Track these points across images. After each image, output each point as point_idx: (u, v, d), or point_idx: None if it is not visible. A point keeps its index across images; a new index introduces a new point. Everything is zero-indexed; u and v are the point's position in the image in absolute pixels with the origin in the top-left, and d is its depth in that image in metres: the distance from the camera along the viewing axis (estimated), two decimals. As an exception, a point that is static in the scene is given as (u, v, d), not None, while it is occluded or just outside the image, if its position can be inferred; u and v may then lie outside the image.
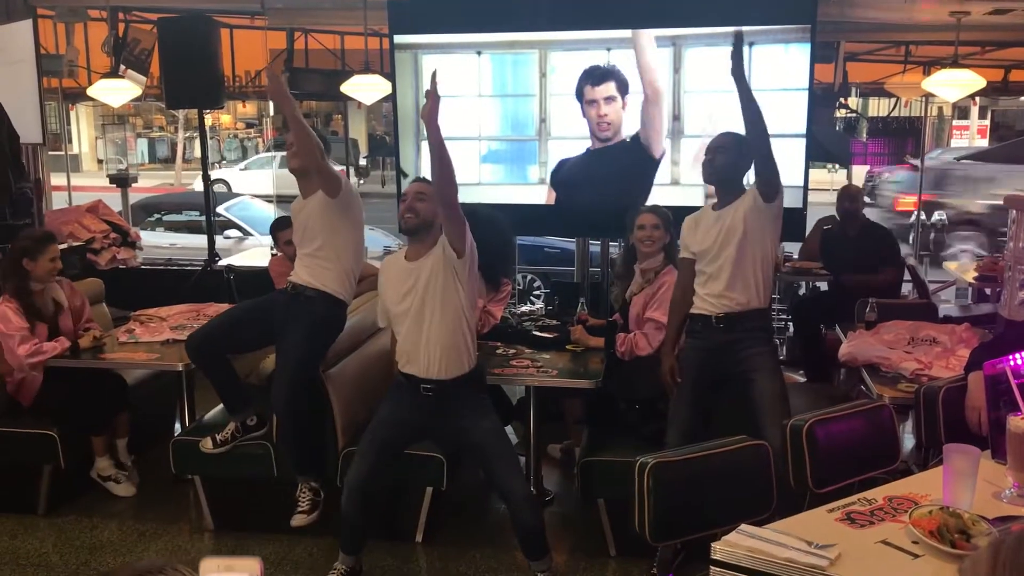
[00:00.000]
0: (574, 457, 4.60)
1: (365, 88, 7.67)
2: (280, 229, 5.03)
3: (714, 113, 5.41)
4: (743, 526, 2.13)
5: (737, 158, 3.72)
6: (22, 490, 4.43)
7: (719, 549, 2.06)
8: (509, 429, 5.03)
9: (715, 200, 3.84)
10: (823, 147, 9.95)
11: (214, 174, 21.17)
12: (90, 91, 7.89)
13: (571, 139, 5.80)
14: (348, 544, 3.71)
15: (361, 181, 21.77)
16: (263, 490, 4.23)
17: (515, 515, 3.56)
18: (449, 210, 3.34)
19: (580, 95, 5.69)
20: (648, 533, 2.60)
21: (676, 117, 5.64)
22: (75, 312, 4.56)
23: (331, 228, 3.84)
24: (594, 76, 5.64)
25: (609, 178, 5.69)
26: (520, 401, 4.80)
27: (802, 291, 7.33)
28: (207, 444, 4.09)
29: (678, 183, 5.66)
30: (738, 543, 2.06)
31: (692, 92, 5.61)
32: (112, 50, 8.00)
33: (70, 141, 22.57)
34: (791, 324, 6.89)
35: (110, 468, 4.59)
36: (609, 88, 5.64)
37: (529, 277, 8.57)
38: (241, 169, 20.95)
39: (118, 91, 7.68)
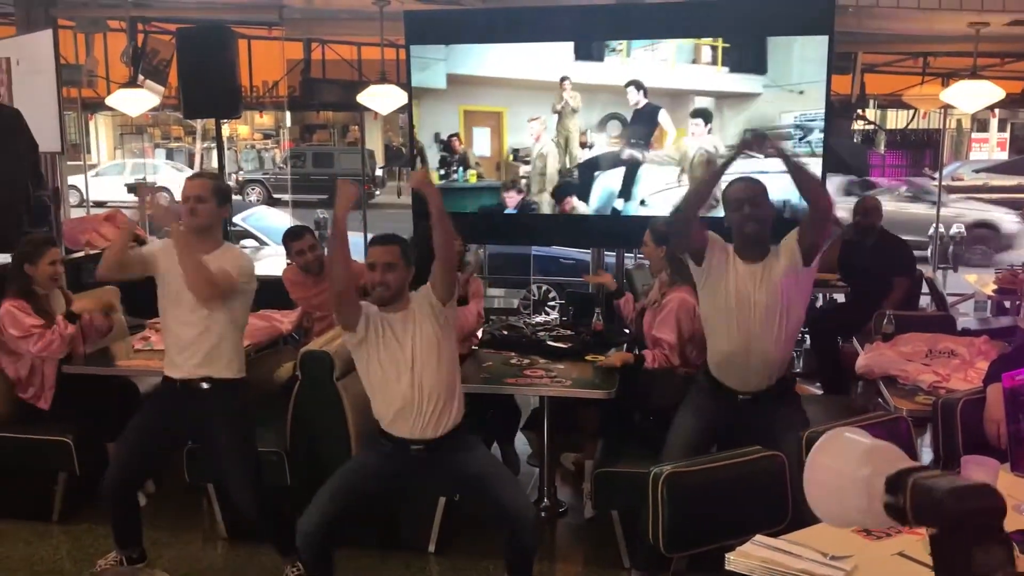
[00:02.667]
0: (583, 471, 4.58)
1: (381, 98, 7.70)
2: (292, 239, 5.03)
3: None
4: (758, 536, 2.11)
5: (771, 210, 3.42)
6: (37, 497, 4.44)
7: (733, 560, 2.05)
8: (523, 439, 5.03)
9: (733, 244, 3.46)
10: (841, 159, 9.94)
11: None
12: (109, 100, 7.96)
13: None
14: None
15: (377, 192, 21.94)
16: (276, 498, 4.22)
17: (519, 537, 3.35)
18: (448, 270, 3.30)
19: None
20: (662, 544, 2.58)
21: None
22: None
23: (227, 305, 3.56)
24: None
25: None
26: (534, 411, 4.79)
27: (819, 303, 7.29)
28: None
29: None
30: (753, 553, 2.05)
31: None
32: (131, 60, 8.08)
33: (89, 151, 22.79)
34: (808, 336, 6.85)
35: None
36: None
37: (544, 288, 8.58)
38: (93, 176, 20.86)
39: (136, 100, 7.75)
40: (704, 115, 5.58)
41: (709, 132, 5.56)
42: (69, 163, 9.17)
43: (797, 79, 5.38)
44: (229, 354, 3.59)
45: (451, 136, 5.92)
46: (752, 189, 3.39)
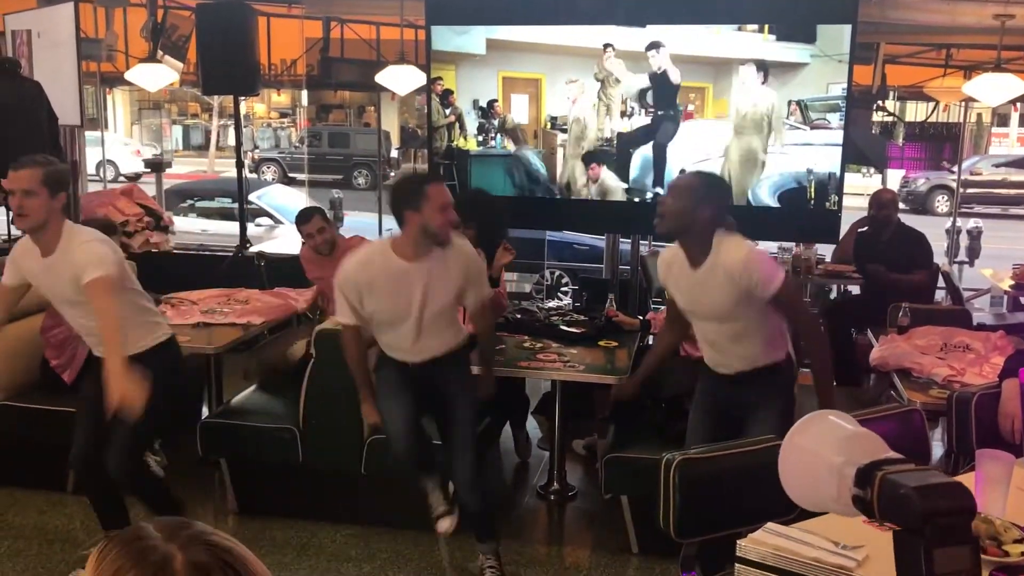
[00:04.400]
0: (595, 453, 4.59)
1: (400, 78, 7.69)
2: (301, 223, 5.03)
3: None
4: (770, 524, 2.11)
5: (693, 203, 3.12)
6: (51, 467, 4.47)
7: (745, 547, 2.05)
8: (533, 423, 5.04)
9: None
10: (859, 150, 9.87)
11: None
12: (128, 75, 7.98)
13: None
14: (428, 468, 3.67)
15: (392, 173, 21.94)
16: (288, 474, 4.25)
17: (458, 496, 3.63)
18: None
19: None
20: (673, 530, 2.59)
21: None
22: None
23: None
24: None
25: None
26: (545, 395, 4.79)
27: (833, 295, 7.26)
28: None
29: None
30: (764, 541, 2.05)
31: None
32: (150, 35, 8.10)
33: (107, 126, 22.85)
34: (822, 327, 6.82)
35: (141, 450, 4.61)
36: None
37: (557, 273, 8.56)
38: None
39: (155, 76, 7.76)
40: (759, 64, 5.25)
41: (763, 83, 5.27)
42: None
43: (849, 48, 5.13)
44: (137, 329, 3.47)
45: (491, 102, 5.84)
46: (675, 182, 3.44)
